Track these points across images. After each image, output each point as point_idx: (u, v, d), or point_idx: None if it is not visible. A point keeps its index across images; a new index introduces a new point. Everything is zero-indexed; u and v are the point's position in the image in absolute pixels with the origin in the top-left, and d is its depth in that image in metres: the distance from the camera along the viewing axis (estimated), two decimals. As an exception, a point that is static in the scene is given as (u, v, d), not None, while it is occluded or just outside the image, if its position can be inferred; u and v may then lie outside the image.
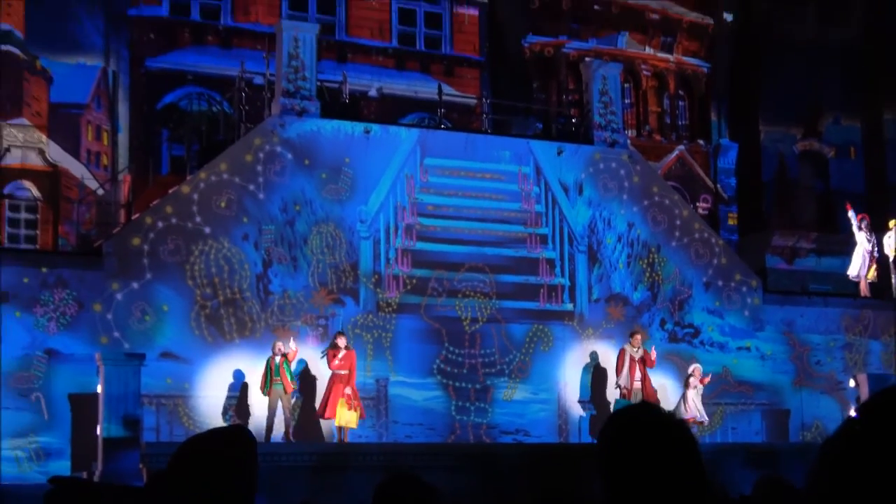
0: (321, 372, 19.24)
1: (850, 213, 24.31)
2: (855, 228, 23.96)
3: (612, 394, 20.96)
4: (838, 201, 29.52)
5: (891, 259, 24.38)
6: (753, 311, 23.06)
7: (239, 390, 19.30)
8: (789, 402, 22.80)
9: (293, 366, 18.80)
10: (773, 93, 31.19)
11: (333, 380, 18.59)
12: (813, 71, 31.00)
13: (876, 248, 23.96)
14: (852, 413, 17.49)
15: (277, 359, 18.33)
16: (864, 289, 24.10)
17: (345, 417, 18.62)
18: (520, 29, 29.07)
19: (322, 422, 19.19)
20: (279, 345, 18.57)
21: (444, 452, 18.84)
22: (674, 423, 2.31)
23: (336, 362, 18.55)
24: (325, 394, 18.70)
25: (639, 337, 20.40)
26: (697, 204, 27.57)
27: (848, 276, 24.23)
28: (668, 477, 2.16)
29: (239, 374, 19.29)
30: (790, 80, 30.82)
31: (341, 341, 18.75)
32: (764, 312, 23.14)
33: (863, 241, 23.60)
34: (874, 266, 24.08)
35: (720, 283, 23.01)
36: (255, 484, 2.73)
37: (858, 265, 23.72)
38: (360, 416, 18.80)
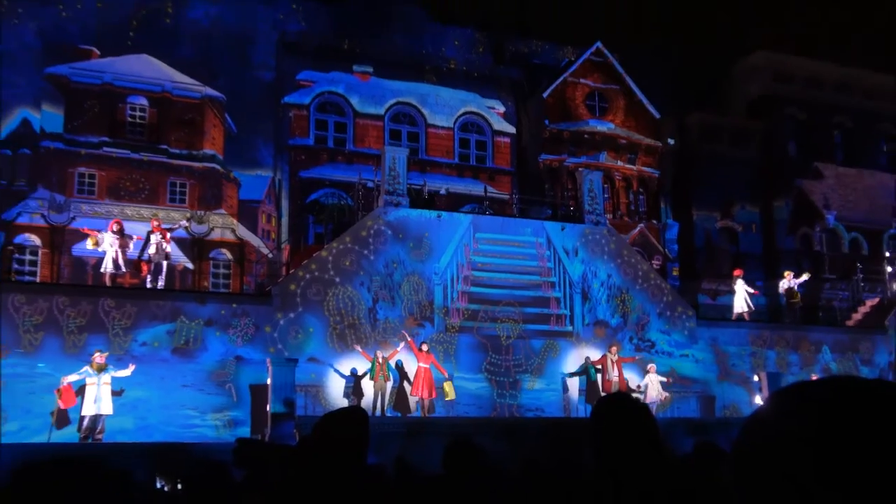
0: (410, 368, 20.21)
1: (734, 278, 25.52)
2: (737, 284, 25.16)
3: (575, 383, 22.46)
4: (744, 261, 31.53)
5: (781, 294, 26.80)
6: (690, 331, 24.63)
7: (354, 381, 20.16)
8: (715, 390, 24.14)
9: (393, 363, 20.21)
10: (701, 190, 33.93)
11: (420, 371, 19.98)
12: (727, 176, 33.66)
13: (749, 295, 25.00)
14: (758, 400, 22.40)
15: (380, 360, 19.89)
16: (746, 318, 25.15)
17: (448, 392, 20.69)
18: (536, 150, 32.27)
19: (410, 398, 20.09)
20: (379, 352, 20.07)
21: (489, 424, 19.81)
22: (639, 406, 2.74)
23: (422, 361, 20.08)
24: (414, 380, 19.95)
25: (615, 348, 21.86)
26: (652, 262, 28.87)
27: (736, 313, 25.19)
28: (636, 440, 2.54)
29: (354, 371, 20.24)
30: (712, 181, 33.76)
31: (424, 347, 20.44)
32: (697, 332, 24.68)
33: (740, 289, 24.94)
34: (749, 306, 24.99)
35: (668, 313, 24.57)
36: (367, 444, 2.95)
37: (740, 305, 24.85)
38: (432, 395, 20.03)
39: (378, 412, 19.47)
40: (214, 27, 30.21)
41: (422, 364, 20.20)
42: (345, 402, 19.83)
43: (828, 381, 1.13)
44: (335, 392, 20.70)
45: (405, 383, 20.41)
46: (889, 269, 29.28)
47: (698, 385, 24.18)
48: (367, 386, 20.20)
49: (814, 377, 23.50)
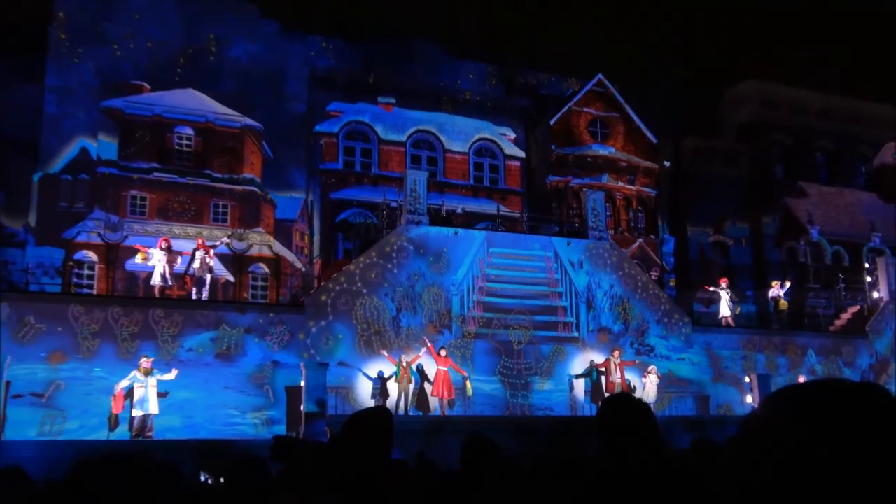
0: (430, 371, 20.30)
1: (716, 286, 25.41)
2: (720, 290, 25.08)
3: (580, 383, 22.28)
4: (735, 272, 31.69)
5: (770, 302, 26.50)
6: (686, 337, 24.42)
7: (380, 384, 20.11)
8: (709, 391, 24.03)
9: (414, 367, 20.24)
10: (695, 207, 33.90)
11: (439, 374, 20.15)
12: (719, 194, 33.81)
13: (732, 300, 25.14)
14: (749, 399, 22.25)
15: (404, 364, 19.97)
16: (730, 321, 25.00)
17: (468, 389, 20.75)
18: (544, 173, 32.37)
19: (430, 398, 20.16)
20: (403, 357, 20.15)
21: (502, 422, 19.86)
22: (641, 405, 2.74)
23: (440, 365, 20.25)
24: (434, 382, 20.08)
25: (617, 352, 21.87)
26: (651, 273, 28.48)
27: (721, 318, 25.16)
28: (639, 436, 2.53)
29: (381, 374, 20.19)
30: (705, 199, 33.83)
31: (443, 352, 20.47)
32: (693, 337, 24.48)
33: (725, 296, 24.90)
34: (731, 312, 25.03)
35: (666, 320, 24.42)
36: (391, 440, 2.95)
37: (724, 310, 24.84)
38: (450, 395, 20.06)
39: (401, 412, 19.43)
40: (252, 64, 30.44)
41: (441, 367, 20.27)
42: (371, 403, 19.76)
43: (816, 384, 1.14)
44: (363, 393, 20.65)
45: (426, 385, 20.42)
46: (868, 279, 29.02)
47: (694, 386, 24.10)
48: (392, 387, 20.20)
49: (801, 379, 23.24)
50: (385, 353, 20.76)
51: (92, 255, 26.12)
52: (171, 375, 17.60)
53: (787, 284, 26.46)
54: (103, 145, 27.63)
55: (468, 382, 20.97)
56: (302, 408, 18.16)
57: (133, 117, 27.80)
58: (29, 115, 27.34)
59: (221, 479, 9.32)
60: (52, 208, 26.90)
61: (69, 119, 27.66)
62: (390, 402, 19.85)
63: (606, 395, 20.10)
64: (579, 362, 22.95)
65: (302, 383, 18.57)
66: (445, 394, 20.14)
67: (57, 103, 27.73)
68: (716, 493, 1.17)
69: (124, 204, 27.13)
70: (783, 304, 26.21)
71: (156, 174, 27.52)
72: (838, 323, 28.42)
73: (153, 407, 17.17)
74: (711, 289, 25.95)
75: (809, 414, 1.06)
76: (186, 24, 29.84)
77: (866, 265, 30.78)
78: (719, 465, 1.18)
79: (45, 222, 26.70)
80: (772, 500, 1.05)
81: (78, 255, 25.99)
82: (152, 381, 17.24)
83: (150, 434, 17.04)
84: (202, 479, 11.50)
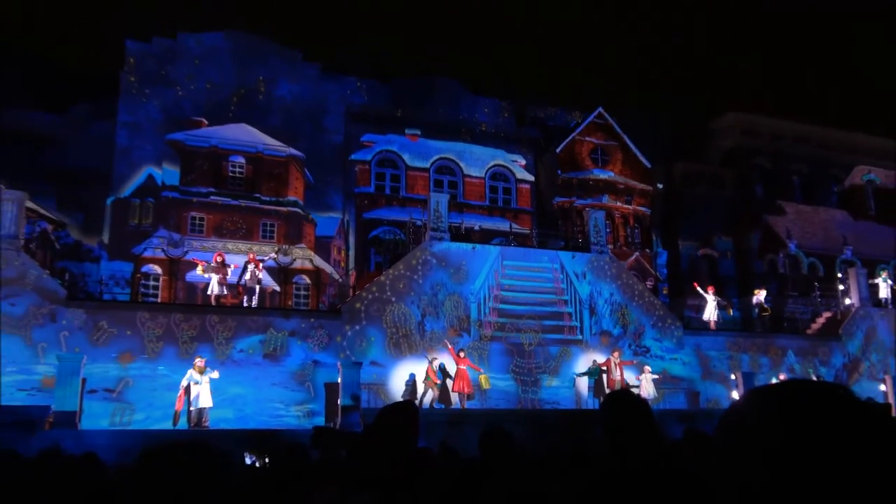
0: (451, 369, 19.89)
1: (704, 291, 25.09)
2: (707, 295, 24.92)
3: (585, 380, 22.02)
4: (722, 282, 31.31)
5: (753, 308, 26.28)
6: (678, 339, 24.06)
7: (412, 383, 20.22)
8: (699, 387, 23.70)
9: (436, 366, 19.88)
10: (685, 224, 34.03)
11: (459, 372, 19.82)
12: (706, 213, 34.14)
13: (717, 308, 24.80)
14: (735, 395, 21.98)
15: (431, 363, 19.83)
16: (712, 324, 24.57)
17: (484, 383, 20.40)
18: (551, 194, 32.49)
19: (452, 393, 19.67)
20: (431, 356, 20.07)
21: (515, 414, 19.54)
22: (640, 400, 2.70)
23: (460, 364, 19.92)
24: (455, 379, 19.73)
25: (617, 353, 21.60)
26: (646, 283, 28.10)
27: (705, 320, 25.01)
28: (637, 427, 2.52)
29: (412, 375, 20.36)
30: (694, 217, 34.05)
31: (462, 353, 20.14)
32: (684, 340, 24.13)
33: (710, 301, 24.77)
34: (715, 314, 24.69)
35: (660, 324, 24.04)
36: (417, 431, 2.88)
37: (709, 314, 24.69)
38: (469, 391, 19.72)
39: (426, 406, 19.35)
40: (296, 101, 30.71)
41: (460, 366, 20.06)
42: (400, 398, 19.44)
43: (790, 383, 1.16)
44: (393, 389, 20.50)
45: (448, 381, 20.12)
46: (841, 287, 28.56)
47: (685, 383, 23.81)
48: (420, 385, 20.14)
49: (782, 376, 23.93)
50: (448, 345, 20.58)
51: (157, 268, 26.27)
52: (215, 374, 17.47)
53: (763, 293, 26.24)
54: (167, 173, 28.00)
55: (485, 378, 20.69)
56: (339, 402, 18.12)
57: (193, 148, 28.01)
58: (103, 147, 27.81)
59: (267, 462, 9.49)
60: (122, 228, 27.36)
61: (138, 150, 28.09)
62: (417, 397, 19.62)
63: (608, 391, 19.61)
64: (583, 362, 22.68)
65: (339, 380, 18.57)
66: (466, 389, 19.89)
67: (128, 137, 28.13)
68: (710, 485, 1.21)
69: (185, 223, 27.28)
70: (766, 309, 26.01)
71: (212, 197, 27.73)
72: (814, 326, 28.17)
73: (207, 401, 17.13)
74: (699, 289, 25.56)
75: (781, 408, 1.08)
76: (239, 68, 30.26)
77: (839, 275, 30.39)
78: (711, 460, 1.19)
79: (117, 240, 27.13)
80: (764, 494, 1.05)
81: (145, 268, 26.19)
82: (205, 378, 17.25)
83: (206, 424, 16.99)
84: (248, 461, 11.34)
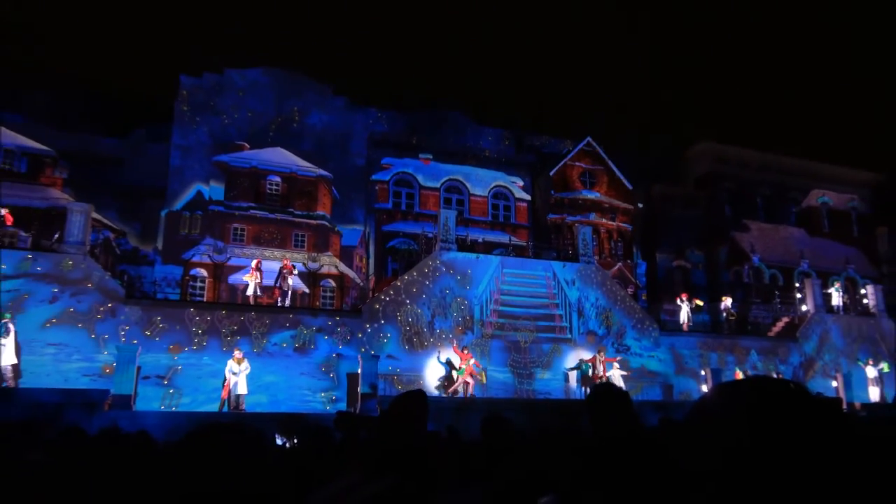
0: (457, 363, 19.56)
1: (686, 301, 25.24)
2: (682, 304, 25.06)
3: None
4: (694, 290, 30.83)
5: (721, 313, 25.87)
6: (655, 339, 23.81)
7: (448, 370, 19.73)
8: (673, 381, 23.41)
9: (443, 360, 19.76)
10: (662, 239, 33.57)
11: (468, 368, 19.49)
12: (680, 229, 33.84)
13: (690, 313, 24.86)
14: (704, 388, 21.83)
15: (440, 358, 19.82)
16: (685, 326, 24.67)
17: (482, 378, 20.28)
18: (545, 211, 32.34)
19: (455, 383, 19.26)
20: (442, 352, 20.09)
21: (513, 403, 19.11)
22: (621, 392, 2.70)
23: (463, 360, 19.55)
24: (464, 373, 19.37)
25: (602, 351, 21.30)
26: (628, 289, 27.87)
27: (680, 323, 24.85)
28: (618, 415, 2.50)
29: (448, 360, 19.84)
30: (670, 233, 33.83)
31: (465, 350, 19.91)
32: (660, 339, 23.90)
33: (685, 307, 24.53)
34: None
35: (639, 326, 23.84)
36: (427, 415, 2.80)
37: (683, 317, 24.50)
38: (470, 383, 19.46)
39: (460, 395, 19.04)
40: (326, 129, 30.56)
41: (462, 363, 19.76)
42: (414, 386, 18.89)
43: (752, 379, 1.16)
44: (406, 378, 20.12)
45: (454, 373, 19.83)
46: (798, 295, 28.46)
47: (661, 377, 23.59)
48: (432, 374, 19.90)
49: (747, 373, 23.67)
50: (454, 343, 20.28)
51: (203, 272, 26.18)
52: (245, 366, 17.21)
53: (730, 300, 26.17)
54: (213, 189, 27.95)
55: (483, 374, 20.51)
56: (359, 389, 18.01)
57: (236, 169, 27.98)
58: (159, 167, 27.89)
59: (296, 442, 9.36)
60: (174, 236, 27.22)
61: (189, 170, 28.03)
62: (427, 387, 19.35)
63: (595, 382, 19.46)
64: (572, 358, 22.51)
65: (359, 371, 18.44)
66: (469, 380, 19.64)
67: (180, 158, 28.12)
68: (676, 459, 1.18)
69: (228, 233, 27.21)
70: (732, 314, 25.89)
71: (252, 211, 27.54)
72: (775, 329, 27.91)
73: (243, 388, 17.06)
74: (683, 300, 25.26)
75: (743, 401, 1.09)
76: (277, 100, 30.22)
77: (797, 285, 30.33)
78: (678, 439, 1.18)
79: (169, 247, 27.03)
80: (726, 472, 1.05)
81: (193, 272, 26.15)
82: (243, 368, 17.18)
83: (242, 408, 16.91)
84: (279, 442, 11.18)
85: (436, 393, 19.39)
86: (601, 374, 20.79)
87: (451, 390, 19.29)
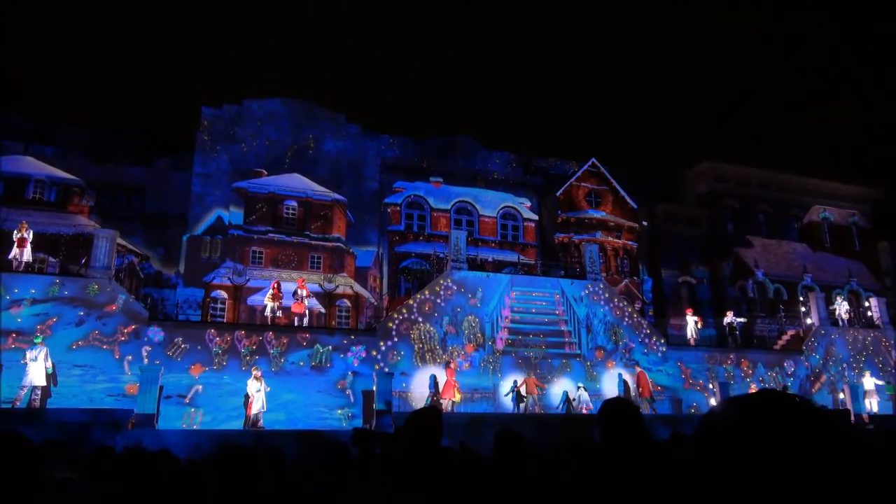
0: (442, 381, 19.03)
1: (687, 315, 25.17)
2: (688, 318, 24.96)
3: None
4: (699, 305, 30.79)
5: (726, 327, 25.57)
6: (663, 354, 23.61)
7: (433, 387, 19.73)
8: (682, 395, 23.13)
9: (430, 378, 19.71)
10: (666, 256, 33.36)
11: (447, 382, 19.20)
12: (684, 246, 33.47)
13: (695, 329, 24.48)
14: (712, 402, 21.46)
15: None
16: (692, 341, 24.57)
17: (456, 397, 19.22)
18: (553, 231, 32.02)
19: (441, 400, 18.71)
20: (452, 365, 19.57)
21: (524, 418, 18.79)
22: (633, 406, 2.62)
23: (447, 376, 19.25)
24: (444, 388, 19.21)
25: (610, 365, 22.02)
26: (634, 305, 27.68)
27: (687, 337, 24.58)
28: (629, 429, 2.45)
29: (433, 379, 19.98)
30: (674, 250, 33.46)
31: (452, 365, 19.36)
32: (668, 354, 23.68)
33: (691, 322, 24.67)
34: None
35: (647, 341, 23.60)
36: (441, 431, 2.77)
37: (689, 333, 24.55)
38: (454, 398, 18.90)
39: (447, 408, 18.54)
40: (340, 155, 30.68)
41: (447, 378, 19.38)
42: (425, 403, 19.04)
43: (759, 393, 1.15)
44: (419, 396, 19.96)
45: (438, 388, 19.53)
46: (802, 309, 28.06)
47: (669, 391, 23.21)
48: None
49: (753, 387, 23.39)
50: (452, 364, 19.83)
51: (223, 294, 26.19)
52: (265, 386, 17.10)
53: (732, 314, 25.86)
54: (233, 214, 28.02)
55: (457, 389, 19.57)
56: (374, 406, 17.82)
57: (254, 194, 28.09)
58: (181, 194, 28.06)
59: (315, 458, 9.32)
60: (195, 260, 27.19)
61: (209, 196, 28.15)
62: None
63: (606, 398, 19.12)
64: (581, 373, 22.08)
65: (374, 388, 18.24)
66: (451, 396, 19.04)
67: (201, 185, 28.25)
68: (689, 475, 1.16)
69: (247, 256, 27.21)
70: (734, 328, 25.54)
71: (270, 235, 27.52)
72: (780, 343, 27.58)
73: (261, 405, 16.96)
74: (689, 317, 25.04)
75: (751, 414, 1.09)
76: (293, 128, 30.36)
77: (800, 298, 30.01)
78: (690, 452, 1.16)
79: (191, 270, 27.01)
80: (737, 485, 1.05)
81: (213, 294, 26.17)
82: (261, 386, 17.09)
83: (260, 425, 16.79)
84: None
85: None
86: (565, 399, 20.63)
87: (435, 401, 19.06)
